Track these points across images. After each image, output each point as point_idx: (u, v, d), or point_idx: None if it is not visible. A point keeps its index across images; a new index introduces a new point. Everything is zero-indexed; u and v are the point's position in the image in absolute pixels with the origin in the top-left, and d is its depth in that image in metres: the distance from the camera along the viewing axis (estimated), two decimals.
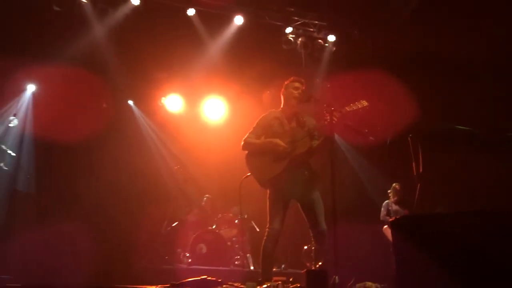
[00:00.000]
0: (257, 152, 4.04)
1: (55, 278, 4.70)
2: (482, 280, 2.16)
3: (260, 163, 4.01)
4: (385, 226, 6.56)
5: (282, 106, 4.21)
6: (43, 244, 5.57)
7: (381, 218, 6.80)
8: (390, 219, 6.63)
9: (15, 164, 6.11)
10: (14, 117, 7.01)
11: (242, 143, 4.11)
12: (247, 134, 4.13)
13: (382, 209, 6.86)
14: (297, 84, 4.14)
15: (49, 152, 7.01)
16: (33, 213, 5.68)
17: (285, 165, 3.89)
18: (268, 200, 3.98)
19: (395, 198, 6.79)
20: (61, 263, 5.40)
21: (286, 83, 4.19)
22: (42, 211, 5.82)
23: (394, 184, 6.84)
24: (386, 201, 6.89)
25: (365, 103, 3.90)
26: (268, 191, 4.01)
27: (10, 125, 6.97)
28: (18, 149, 6.90)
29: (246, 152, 4.11)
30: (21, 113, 7.32)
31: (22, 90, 7.46)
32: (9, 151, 6.03)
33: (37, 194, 6.18)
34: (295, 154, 3.92)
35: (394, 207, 6.76)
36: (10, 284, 2.89)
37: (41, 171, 6.86)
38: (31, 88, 7.51)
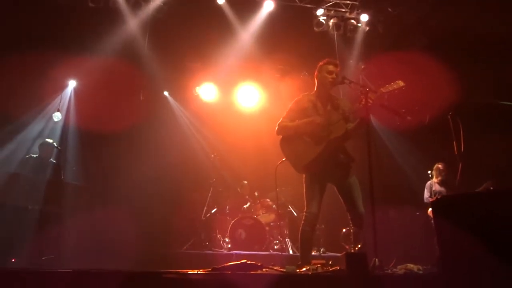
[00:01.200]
0: (292, 136, 4.01)
1: (102, 263, 4.94)
2: None
3: (295, 148, 3.98)
4: (431, 209, 6.39)
5: (315, 89, 4.13)
6: (91, 232, 5.84)
7: (425, 200, 6.58)
8: (431, 200, 6.46)
9: (61, 157, 6.41)
10: (57, 112, 7.39)
11: (277, 127, 4.08)
12: (281, 119, 4.09)
13: (425, 190, 6.60)
14: (331, 68, 4.02)
15: (92, 143, 7.32)
16: (81, 203, 5.95)
17: (321, 150, 3.85)
18: (304, 184, 3.97)
19: (439, 179, 6.55)
20: (108, 249, 5.66)
21: (320, 64, 4.09)
22: (88, 201, 6.10)
23: (437, 164, 6.58)
24: (429, 181, 6.65)
25: (401, 83, 3.78)
26: (304, 175, 3.99)
27: (54, 119, 7.35)
28: (63, 142, 7.25)
29: (281, 137, 4.09)
30: (64, 107, 7.68)
31: (64, 86, 7.82)
32: (55, 145, 6.33)
33: (83, 185, 6.47)
34: (331, 139, 3.86)
35: (438, 187, 6.51)
36: (62, 269, 3.06)
37: (85, 162, 7.18)
38: (72, 84, 7.88)
